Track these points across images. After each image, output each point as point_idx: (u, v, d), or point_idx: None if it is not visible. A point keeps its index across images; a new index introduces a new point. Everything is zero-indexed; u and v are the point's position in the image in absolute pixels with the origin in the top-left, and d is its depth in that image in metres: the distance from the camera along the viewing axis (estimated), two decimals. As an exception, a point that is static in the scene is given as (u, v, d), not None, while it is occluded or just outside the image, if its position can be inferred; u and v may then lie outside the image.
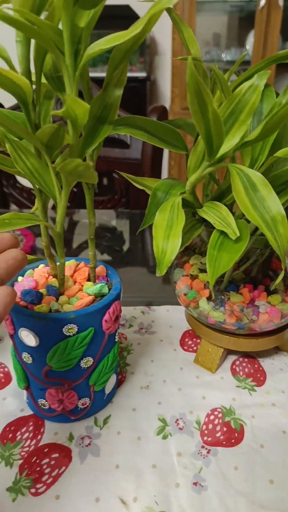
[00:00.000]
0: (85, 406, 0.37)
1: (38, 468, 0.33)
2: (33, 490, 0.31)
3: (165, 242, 0.30)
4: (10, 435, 0.36)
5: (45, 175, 0.31)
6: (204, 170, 0.31)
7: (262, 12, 1.87)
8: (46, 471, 0.33)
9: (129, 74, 1.90)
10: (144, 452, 0.34)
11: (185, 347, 0.47)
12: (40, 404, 0.36)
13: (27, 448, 0.35)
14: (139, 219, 0.92)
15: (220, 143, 0.29)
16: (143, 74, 2.26)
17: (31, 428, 0.37)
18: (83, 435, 0.36)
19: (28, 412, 0.38)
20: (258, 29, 1.90)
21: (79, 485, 0.32)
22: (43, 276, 0.36)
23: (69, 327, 0.32)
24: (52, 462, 0.34)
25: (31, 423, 0.37)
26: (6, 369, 0.44)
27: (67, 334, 0.32)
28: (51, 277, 0.36)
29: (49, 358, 0.33)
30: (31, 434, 0.36)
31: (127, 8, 2.12)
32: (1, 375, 0.43)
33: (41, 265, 0.39)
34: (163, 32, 2.31)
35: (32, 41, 0.27)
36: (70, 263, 0.39)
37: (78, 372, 0.34)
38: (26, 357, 0.34)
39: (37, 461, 0.34)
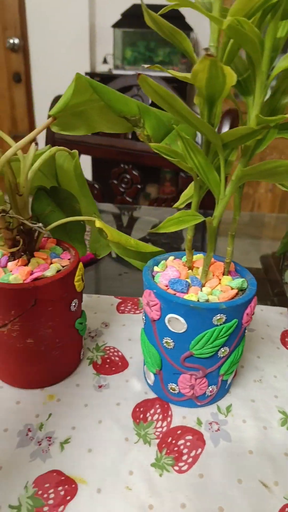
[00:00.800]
0: (212, 393, 0.38)
1: (176, 448, 0.35)
2: (176, 468, 0.33)
3: None
4: (141, 415, 0.38)
5: (209, 172, 0.33)
6: None
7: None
8: (184, 451, 0.35)
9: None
10: (273, 440, 0.36)
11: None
12: (169, 389, 0.38)
13: (160, 429, 0.37)
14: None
15: None
16: (185, 74, 2.27)
17: (158, 410, 0.39)
18: (210, 420, 0.38)
19: (152, 395, 0.40)
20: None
21: (219, 466, 0.34)
22: (184, 267, 0.38)
23: (219, 317, 0.33)
24: (188, 444, 0.35)
25: (157, 406, 0.39)
26: (120, 353, 0.46)
27: (215, 324, 0.34)
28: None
29: (193, 345, 0.35)
30: (160, 416, 0.38)
31: (173, 8, 2.12)
32: (117, 359, 0.45)
33: (171, 257, 0.40)
34: (206, 34, 2.32)
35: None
36: (198, 257, 0.41)
37: (215, 360, 0.36)
38: (167, 342, 0.36)
39: (173, 441, 0.36)
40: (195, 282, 0.36)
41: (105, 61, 2.54)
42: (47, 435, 0.36)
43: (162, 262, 0.40)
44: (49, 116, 0.36)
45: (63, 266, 0.39)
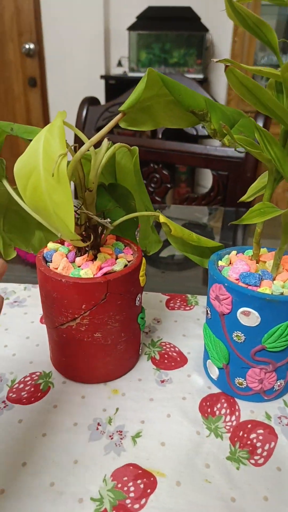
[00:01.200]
0: (280, 388, 0.38)
1: (249, 442, 0.35)
2: (252, 461, 0.33)
3: None
4: (209, 410, 0.38)
5: (286, 164, 0.33)
6: None
7: None
8: (258, 445, 0.35)
9: (186, 75, 1.93)
10: None
11: None
12: (236, 383, 0.38)
13: (229, 423, 0.37)
14: (233, 217, 0.93)
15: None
16: (199, 76, 2.28)
17: (225, 405, 0.39)
18: (278, 414, 0.38)
19: (215, 390, 0.40)
20: None
21: (295, 460, 0.33)
22: (252, 261, 0.37)
23: (293, 310, 0.33)
24: (260, 437, 0.35)
25: (223, 400, 0.39)
26: (177, 349, 0.46)
27: (290, 317, 0.34)
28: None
29: (266, 338, 0.35)
30: (228, 410, 0.38)
31: (188, 10, 2.14)
32: (175, 354, 0.45)
33: (234, 252, 0.40)
34: (222, 35, 2.32)
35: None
36: (262, 251, 0.40)
37: (286, 354, 0.36)
38: (238, 336, 0.36)
39: (245, 435, 0.35)
40: (266, 276, 0.36)
41: (119, 64, 2.55)
42: (118, 429, 0.36)
43: (226, 256, 0.40)
44: (119, 112, 0.36)
45: (128, 261, 0.39)
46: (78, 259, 0.37)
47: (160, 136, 1.00)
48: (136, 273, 0.38)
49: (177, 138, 0.91)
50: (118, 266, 0.37)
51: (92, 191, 0.36)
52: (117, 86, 2.43)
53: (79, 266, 0.37)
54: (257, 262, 0.38)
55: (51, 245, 0.40)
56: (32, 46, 2.55)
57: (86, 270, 0.36)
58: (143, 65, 2.46)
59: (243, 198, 0.37)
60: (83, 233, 0.38)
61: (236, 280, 0.36)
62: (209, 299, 0.38)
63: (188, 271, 0.67)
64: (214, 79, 2.48)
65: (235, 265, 0.37)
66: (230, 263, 0.39)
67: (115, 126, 0.36)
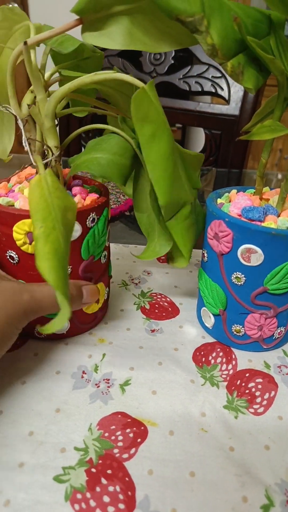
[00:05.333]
0: (280, 336, 0.35)
1: (247, 391, 0.32)
2: (251, 410, 0.31)
3: None
4: (203, 359, 0.35)
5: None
6: None
7: None
8: (257, 394, 0.32)
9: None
10: None
11: None
12: (233, 331, 0.35)
13: (226, 372, 0.34)
14: (225, 179, 0.90)
15: None
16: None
17: (221, 354, 0.36)
18: (278, 364, 0.35)
19: (210, 339, 0.37)
20: None
21: (297, 409, 0.31)
22: (255, 197, 0.34)
23: (301, 246, 0.30)
24: (259, 386, 0.33)
25: (218, 349, 0.36)
26: (168, 299, 0.43)
27: (296, 254, 0.30)
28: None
29: (268, 279, 0.32)
30: (224, 359, 0.35)
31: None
32: (166, 304, 0.42)
33: (234, 191, 0.37)
34: None
35: None
36: (266, 189, 0.37)
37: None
38: (238, 277, 0.33)
39: (243, 384, 0.33)
40: (271, 211, 0.32)
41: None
42: (105, 377, 0.33)
43: (226, 194, 0.37)
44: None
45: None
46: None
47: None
48: (6, 221, 0.30)
49: (168, 94, 0.86)
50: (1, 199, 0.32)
51: (30, 108, 0.29)
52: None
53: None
54: (260, 200, 0.35)
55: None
56: (16, 5, 2.42)
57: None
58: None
59: (247, 126, 0.34)
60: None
61: (238, 215, 0.32)
62: (206, 240, 0.35)
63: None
64: None
65: (236, 200, 0.33)
66: (230, 202, 0.36)
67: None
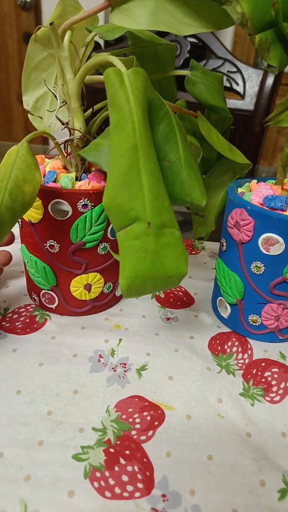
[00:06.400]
0: (296, 327, 0.35)
1: (263, 380, 0.32)
2: (268, 398, 0.31)
3: None
4: (219, 348, 0.35)
5: None
6: None
7: None
8: (273, 383, 0.32)
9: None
10: None
11: None
12: (249, 321, 0.35)
13: (242, 361, 0.34)
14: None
15: None
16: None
17: (236, 343, 0.36)
18: (294, 355, 0.35)
19: (225, 329, 0.37)
20: None
21: (313, 399, 0.31)
22: (276, 187, 0.34)
23: None
24: (275, 376, 0.33)
25: (234, 339, 0.36)
26: (183, 289, 0.43)
27: None
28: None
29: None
30: (239, 348, 0.35)
31: None
32: (181, 293, 0.42)
33: (254, 181, 0.37)
34: None
35: None
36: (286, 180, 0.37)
37: (307, 288, 0.33)
38: (257, 267, 0.33)
39: (258, 373, 0.33)
40: (292, 201, 0.32)
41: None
42: (121, 361, 0.33)
43: (246, 184, 0.37)
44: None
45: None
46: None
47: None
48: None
49: (182, 88, 0.85)
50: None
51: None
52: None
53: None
54: (282, 190, 0.35)
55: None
56: (28, -2, 2.42)
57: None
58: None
59: (272, 115, 0.33)
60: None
61: (260, 204, 0.32)
62: (226, 229, 0.35)
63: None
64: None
65: (258, 189, 0.33)
66: (250, 191, 0.36)
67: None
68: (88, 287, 0.35)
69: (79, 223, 0.32)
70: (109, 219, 0.24)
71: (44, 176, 0.33)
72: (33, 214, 0.32)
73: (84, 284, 0.35)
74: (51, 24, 0.28)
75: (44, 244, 0.33)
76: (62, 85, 0.30)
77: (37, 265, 0.35)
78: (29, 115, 0.37)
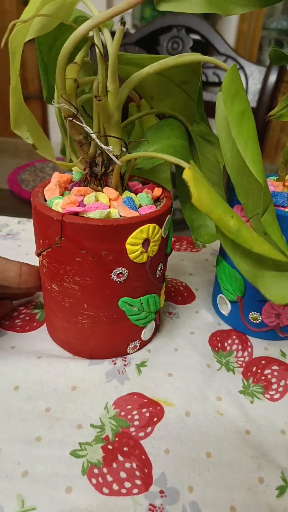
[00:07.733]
0: (297, 325, 0.35)
1: (263, 377, 0.32)
2: (267, 396, 0.30)
3: None
4: (219, 344, 0.35)
5: None
6: None
7: None
8: (273, 380, 0.32)
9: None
10: None
11: None
12: (250, 318, 0.35)
13: (241, 358, 0.34)
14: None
15: None
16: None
17: (236, 341, 0.36)
18: (294, 353, 0.35)
19: (226, 326, 0.37)
20: None
21: (314, 396, 0.31)
22: (278, 183, 0.34)
23: None
24: (275, 373, 0.32)
25: (234, 337, 0.36)
26: (184, 284, 0.43)
27: None
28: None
29: (289, 266, 0.31)
30: (239, 346, 0.35)
31: None
32: (182, 288, 0.42)
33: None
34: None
35: None
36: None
37: (308, 285, 0.33)
38: (258, 263, 0.32)
39: (258, 371, 0.33)
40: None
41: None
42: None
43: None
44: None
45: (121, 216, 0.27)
46: (74, 189, 0.29)
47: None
48: (118, 235, 0.26)
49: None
50: (96, 214, 0.26)
51: (102, 100, 0.26)
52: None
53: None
54: (283, 186, 0.35)
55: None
56: None
57: (59, 201, 0.27)
58: (146, 22, 2.35)
59: (275, 110, 0.33)
60: (88, 159, 0.30)
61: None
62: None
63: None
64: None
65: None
66: (251, 187, 0.35)
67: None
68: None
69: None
70: (263, 202, 0.25)
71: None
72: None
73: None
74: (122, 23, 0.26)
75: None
76: (97, 96, 0.26)
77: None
78: (57, 162, 0.30)
